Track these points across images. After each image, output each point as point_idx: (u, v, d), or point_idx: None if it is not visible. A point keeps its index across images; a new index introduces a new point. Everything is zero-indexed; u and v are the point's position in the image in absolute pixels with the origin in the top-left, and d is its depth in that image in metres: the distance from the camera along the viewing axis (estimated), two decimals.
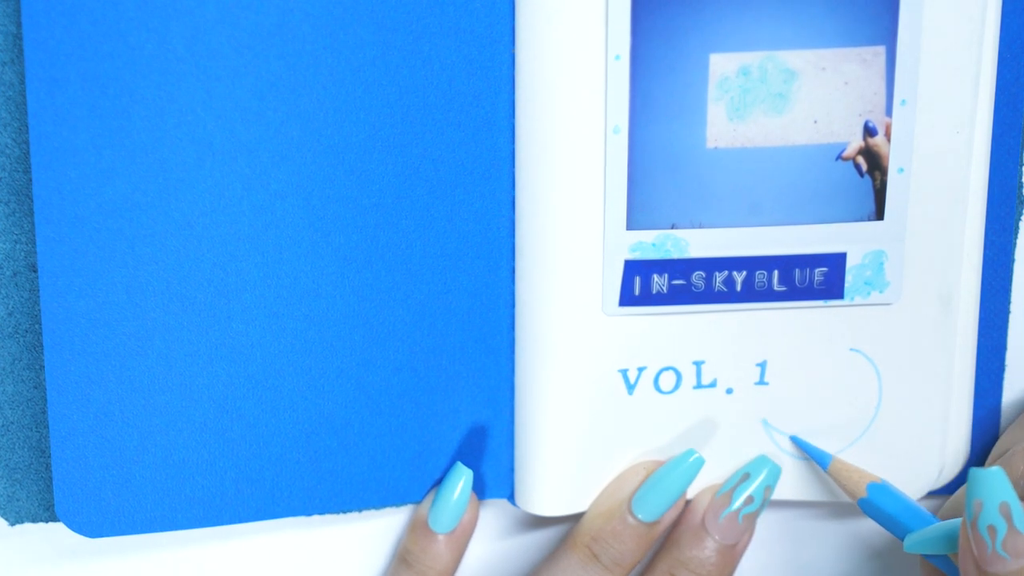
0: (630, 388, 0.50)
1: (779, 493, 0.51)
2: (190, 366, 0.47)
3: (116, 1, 0.44)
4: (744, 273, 0.48)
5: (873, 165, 0.48)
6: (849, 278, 0.49)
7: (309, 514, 0.50)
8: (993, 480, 0.42)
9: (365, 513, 0.52)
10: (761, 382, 0.50)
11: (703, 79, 0.47)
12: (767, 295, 0.49)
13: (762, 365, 0.50)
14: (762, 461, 0.50)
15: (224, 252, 0.46)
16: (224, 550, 0.52)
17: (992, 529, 0.42)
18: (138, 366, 0.47)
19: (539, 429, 0.50)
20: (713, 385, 0.50)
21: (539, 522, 0.53)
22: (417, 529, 0.51)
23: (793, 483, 0.51)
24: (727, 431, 0.51)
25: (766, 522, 0.53)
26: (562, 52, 0.46)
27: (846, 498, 0.51)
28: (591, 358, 0.49)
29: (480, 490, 0.51)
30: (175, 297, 0.46)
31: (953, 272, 0.49)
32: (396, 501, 0.51)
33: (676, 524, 0.51)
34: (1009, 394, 0.52)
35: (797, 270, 0.48)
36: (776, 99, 0.47)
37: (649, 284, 0.48)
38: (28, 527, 0.50)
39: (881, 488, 0.49)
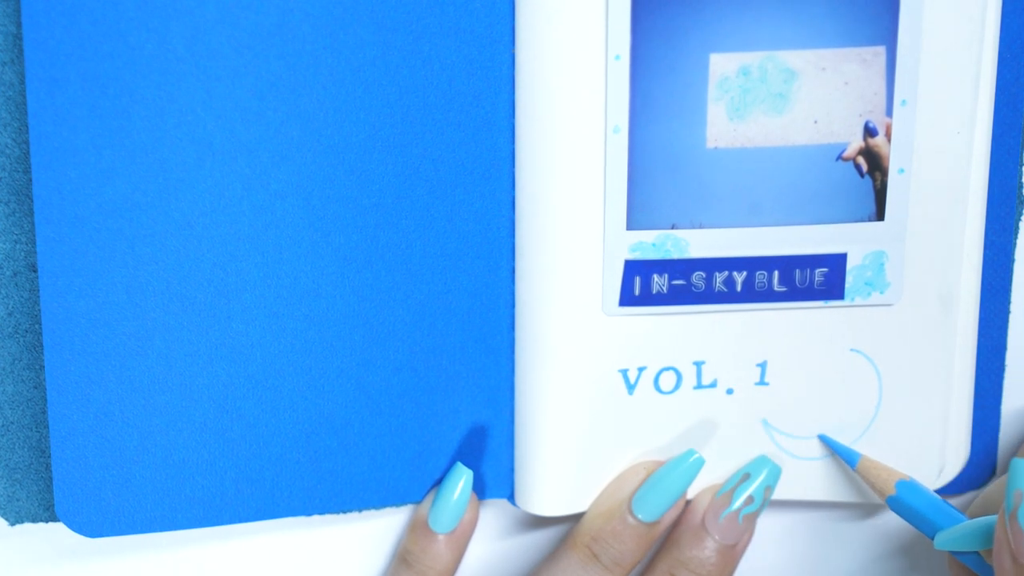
0: (630, 388, 0.50)
1: (779, 493, 0.51)
2: (190, 366, 0.47)
3: (116, 1, 0.44)
4: (744, 273, 0.48)
5: (873, 165, 0.48)
6: (849, 279, 0.49)
7: (309, 514, 0.50)
8: None
9: (365, 513, 0.52)
10: (761, 382, 0.50)
11: (703, 79, 0.47)
12: (767, 295, 0.49)
13: (762, 365, 0.50)
14: (762, 461, 0.50)
15: (224, 252, 0.46)
16: (224, 550, 0.52)
17: None
18: (138, 366, 0.47)
19: (539, 429, 0.50)
20: (713, 385, 0.50)
21: (539, 522, 0.53)
22: (417, 529, 0.51)
23: (794, 483, 0.51)
24: (727, 431, 0.51)
25: (763, 523, 0.53)
26: (562, 52, 0.46)
27: (847, 498, 0.51)
28: (591, 358, 0.49)
29: (480, 490, 0.51)
30: (175, 297, 0.46)
31: (953, 272, 0.49)
32: (396, 501, 0.51)
33: (676, 524, 0.51)
34: (1009, 394, 0.52)
35: (797, 270, 0.48)
36: (776, 99, 0.47)
37: (649, 284, 0.48)
38: (28, 527, 0.50)
39: (910, 486, 0.49)
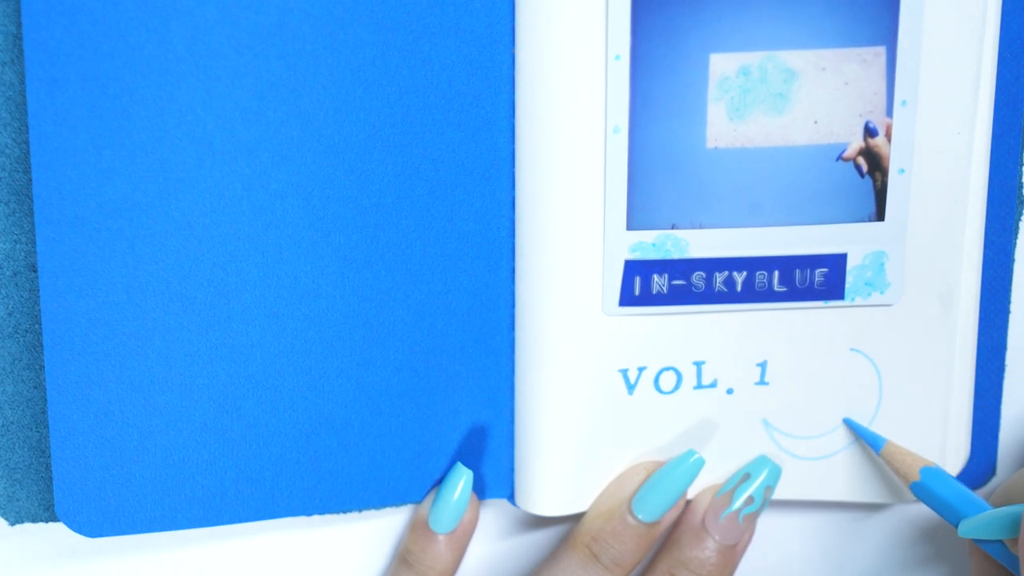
0: (630, 388, 0.50)
1: (779, 493, 0.51)
2: (190, 366, 0.47)
3: (116, 1, 0.44)
4: (744, 273, 0.48)
5: (874, 166, 0.48)
6: (850, 279, 0.49)
7: (309, 514, 0.50)
8: None
9: (365, 513, 0.52)
10: (761, 382, 0.50)
11: (703, 79, 0.47)
12: (767, 295, 0.49)
13: (762, 365, 0.50)
14: (762, 461, 0.50)
15: (224, 252, 0.46)
16: (224, 550, 0.52)
17: None
18: (138, 366, 0.47)
19: (539, 429, 0.50)
20: (713, 385, 0.50)
21: (539, 522, 0.53)
22: (417, 529, 0.51)
23: (794, 483, 0.51)
24: (727, 431, 0.51)
25: (763, 523, 0.53)
26: (562, 52, 0.46)
27: (847, 498, 0.51)
28: (591, 358, 0.49)
29: (480, 490, 0.51)
30: (175, 297, 0.46)
31: (953, 272, 0.49)
32: (396, 501, 0.51)
33: (676, 524, 0.51)
34: (1009, 394, 0.52)
35: (797, 271, 0.48)
36: (776, 99, 0.47)
37: (649, 284, 0.48)
38: (28, 527, 0.50)
39: (935, 472, 0.49)
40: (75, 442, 0.47)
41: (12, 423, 0.48)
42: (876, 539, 0.54)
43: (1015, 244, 0.50)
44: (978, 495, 0.49)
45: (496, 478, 0.51)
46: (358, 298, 0.48)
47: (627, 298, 0.49)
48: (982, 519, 0.46)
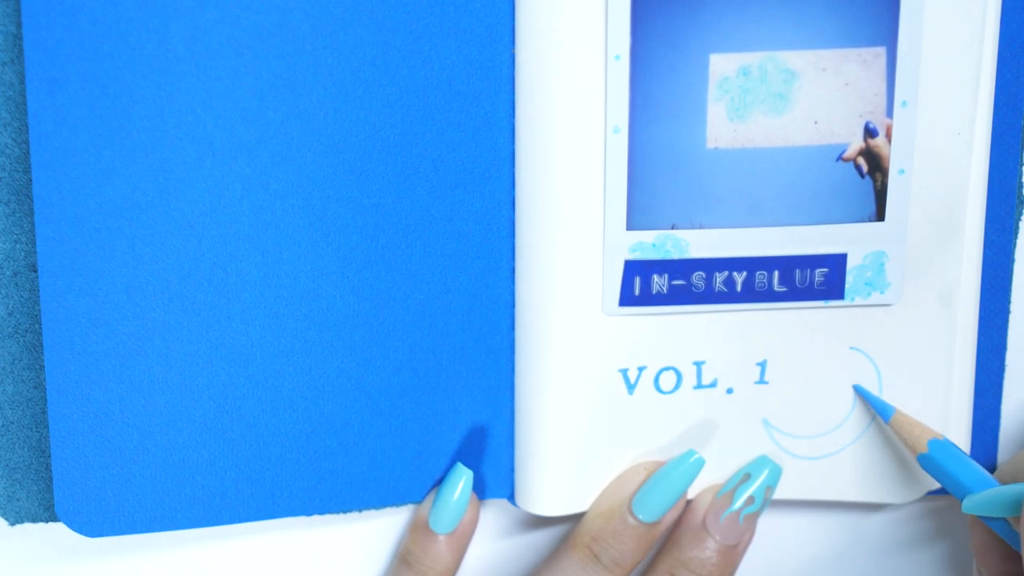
0: (630, 388, 0.50)
1: (780, 493, 0.51)
2: (190, 366, 0.47)
3: (116, 1, 0.44)
4: (744, 274, 0.48)
5: (874, 166, 0.48)
6: (850, 279, 0.49)
7: (309, 514, 0.50)
8: None
9: (365, 513, 0.52)
10: (761, 381, 0.50)
11: (703, 79, 0.47)
12: (767, 296, 0.49)
13: (762, 364, 0.50)
14: (763, 461, 0.50)
15: (224, 252, 0.46)
16: (224, 550, 0.52)
17: None
18: (138, 366, 0.47)
19: (539, 429, 0.50)
20: (713, 385, 0.50)
21: (539, 522, 0.53)
22: (418, 529, 0.51)
23: (794, 483, 0.51)
24: (727, 431, 0.51)
25: (763, 523, 0.53)
26: (562, 52, 0.46)
27: (848, 498, 0.51)
28: (591, 358, 0.49)
29: (480, 490, 0.51)
30: (175, 297, 0.46)
31: (953, 272, 0.49)
32: (396, 501, 0.51)
33: (677, 524, 0.51)
34: (1009, 394, 0.52)
35: (797, 271, 0.48)
36: (776, 99, 0.47)
37: (649, 284, 0.48)
38: (28, 527, 0.50)
39: (943, 445, 0.48)
40: (75, 442, 0.47)
41: (12, 423, 0.48)
42: (876, 539, 0.54)
43: (1015, 244, 0.50)
44: (985, 471, 0.49)
45: (496, 478, 0.51)
46: (358, 298, 0.48)
47: (627, 298, 0.49)
48: (986, 496, 0.46)
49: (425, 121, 0.47)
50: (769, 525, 0.54)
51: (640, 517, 0.50)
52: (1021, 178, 0.50)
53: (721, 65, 0.46)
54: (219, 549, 0.52)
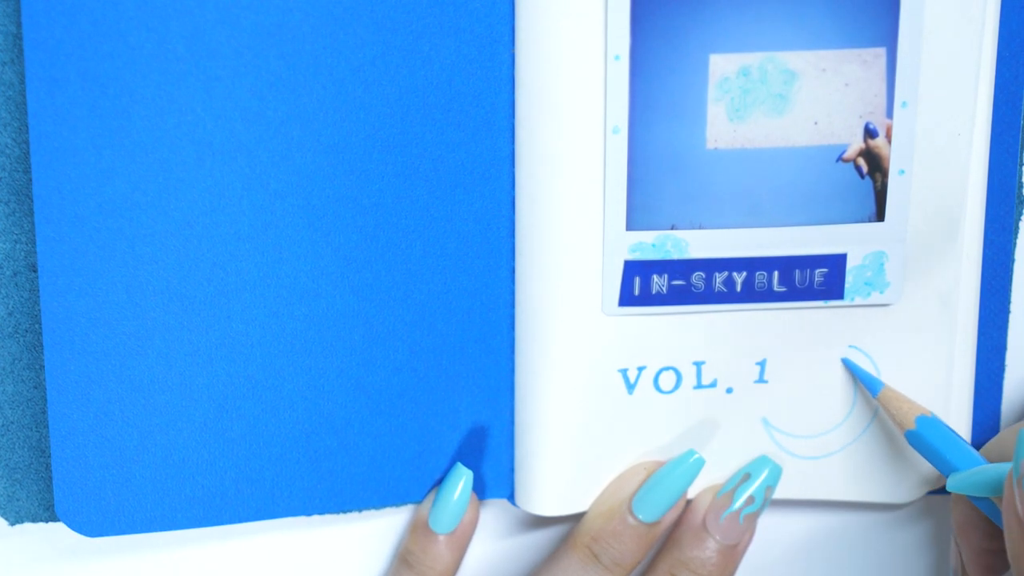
0: (630, 388, 0.50)
1: (780, 493, 0.51)
2: (190, 366, 0.47)
3: (116, 1, 0.44)
4: (744, 274, 0.48)
5: (874, 167, 0.48)
6: (849, 279, 0.49)
7: (309, 514, 0.50)
8: None
9: (365, 513, 0.52)
10: (760, 380, 0.50)
11: (703, 79, 0.47)
12: (767, 296, 0.49)
13: (762, 364, 0.50)
14: (763, 461, 0.50)
15: (224, 252, 0.46)
16: (224, 550, 0.52)
17: None
18: (138, 366, 0.47)
19: (539, 429, 0.50)
20: (713, 385, 0.50)
21: (539, 522, 0.53)
22: (418, 530, 0.51)
23: (794, 483, 0.51)
24: (727, 431, 0.51)
25: (763, 522, 0.53)
26: (562, 52, 0.46)
27: (848, 497, 0.51)
28: (591, 358, 0.49)
29: (480, 490, 0.51)
30: (175, 297, 0.46)
31: (953, 272, 0.49)
32: (396, 501, 0.51)
33: (677, 524, 0.51)
34: (1009, 394, 0.52)
35: (797, 271, 0.48)
36: (776, 100, 0.47)
37: (649, 284, 0.48)
38: (28, 527, 0.50)
39: (931, 422, 0.48)
40: (75, 442, 0.47)
41: (12, 423, 0.48)
42: (876, 539, 0.54)
43: (1015, 244, 0.50)
44: (974, 449, 0.48)
45: (496, 478, 0.51)
46: (358, 298, 0.48)
47: (627, 298, 0.49)
48: (971, 475, 0.46)
49: (425, 121, 0.47)
50: (769, 525, 0.54)
51: (640, 517, 0.50)
52: (1021, 178, 0.50)
53: (721, 65, 0.46)
54: (219, 549, 0.52)
